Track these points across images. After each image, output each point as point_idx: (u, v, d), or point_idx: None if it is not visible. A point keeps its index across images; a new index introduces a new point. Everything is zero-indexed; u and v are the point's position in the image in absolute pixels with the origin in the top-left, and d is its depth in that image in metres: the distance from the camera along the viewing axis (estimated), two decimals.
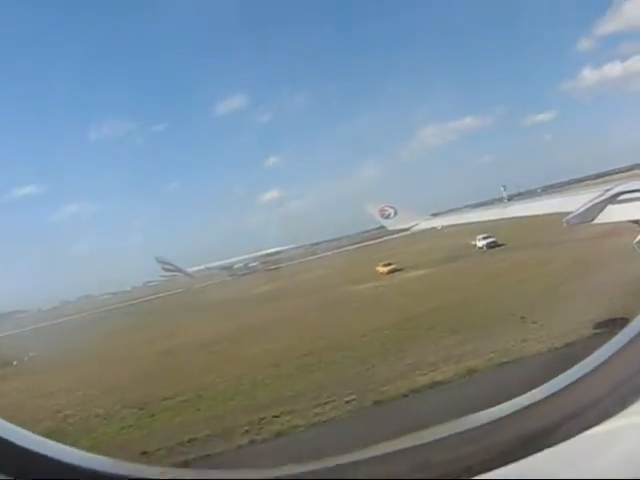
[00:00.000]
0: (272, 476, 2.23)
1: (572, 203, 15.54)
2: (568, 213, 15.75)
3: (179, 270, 77.72)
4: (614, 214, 14.34)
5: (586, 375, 2.25)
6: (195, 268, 77.98)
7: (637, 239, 12.79)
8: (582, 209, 15.03)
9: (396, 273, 46.29)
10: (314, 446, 15.54)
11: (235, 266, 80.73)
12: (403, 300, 32.43)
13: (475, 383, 18.02)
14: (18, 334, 61.52)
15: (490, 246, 48.02)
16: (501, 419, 2.28)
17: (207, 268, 78.75)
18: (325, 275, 56.59)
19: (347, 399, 18.21)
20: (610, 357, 2.22)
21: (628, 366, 2.13)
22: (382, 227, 27.47)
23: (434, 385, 18.43)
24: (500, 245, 47.88)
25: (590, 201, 14.96)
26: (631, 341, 2.18)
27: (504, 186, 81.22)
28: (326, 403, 18.32)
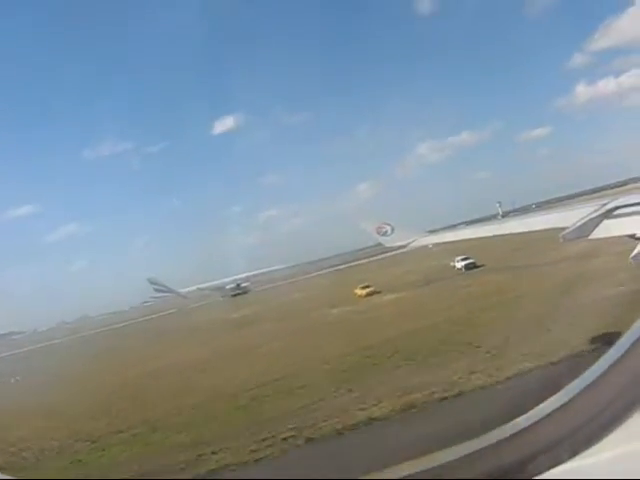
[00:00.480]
0: None
1: (568, 218, 15.58)
2: (564, 228, 15.81)
3: (170, 291, 77.77)
4: (610, 229, 14.28)
5: (556, 410, 2.25)
6: (187, 289, 78.30)
7: (634, 253, 12.77)
8: (578, 224, 14.95)
9: (374, 295, 47.34)
10: None
11: (227, 286, 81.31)
12: (373, 325, 33.03)
13: (406, 421, 17.92)
14: (8, 356, 61.21)
15: (468, 267, 48.85)
16: (474, 453, 2.26)
17: (199, 289, 79.01)
18: (305, 298, 58.03)
19: (284, 436, 18.47)
20: (580, 392, 2.22)
21: (596, 404, 2.13)
22: (379, 244, 27.59)
23: (369, 422, 18.42)
24: (479, 266, 48.59)
25: (586, 216, 14.90)
26: (600, 377, 2.19)
27: (499, 202, 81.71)
28: (264, 439, 18.55)
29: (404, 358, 24.41)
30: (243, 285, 80.00)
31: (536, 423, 2.28)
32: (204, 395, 25.16)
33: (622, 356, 2.20)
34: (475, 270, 47.73)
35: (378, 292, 48.35)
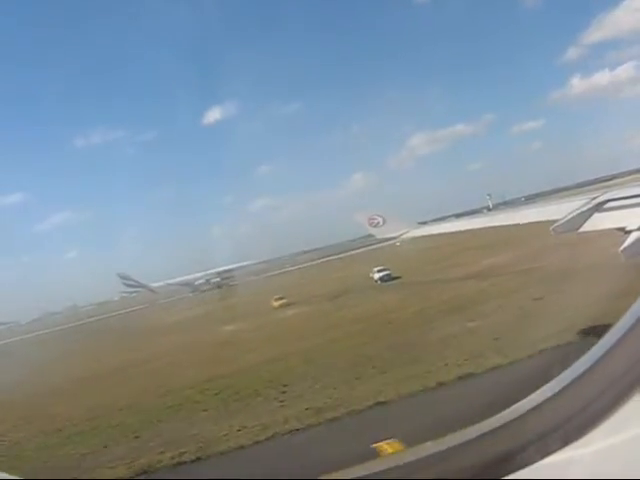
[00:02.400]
0: None
1: (559, 211, 15.67)
2: (554, 221, 15.90)
3: (141, 286, 77.36)
4: (600, 222, 14.37)
5: (547, 400, 2.26)
6: (157, 284, 77.94)
7: (623, 246, 12.88)
8: (568, 217, 15.03)
9: (286, 307, 47.64)
10: None
11: (196, 282, 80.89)
12: (256, 346, 32.26)
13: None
14: None
15: (383, 280, 49.04)
16: (460, 445, 2.27)
17: (167, 284, 78.68)
18: (218, 309, 57.77)
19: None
20: (570, 384, 2.23)
21: (585, 395, 2.15)
22: (371, 235, 27.68)
23: (137, 475, 17.53)
24: (395, 278, 49.01)
25: (576, 209, 15.05)
26: (590, 368, 2.20)
27: (489, 195, 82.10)
28: None
29: (235, 396, 23.40)
30: (213, 281, 79.74)
31: (526, 414, 2.29)
32: (60, 421, 25.02)
33: (612, 347, 2.22)
34: (390, 283, 47.98)
35: (289, 304, 48.82)
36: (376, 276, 50.04)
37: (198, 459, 17.47)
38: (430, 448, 2.31)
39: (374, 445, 14.23)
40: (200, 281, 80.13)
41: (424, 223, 27.68)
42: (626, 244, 12.89)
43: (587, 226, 14.66)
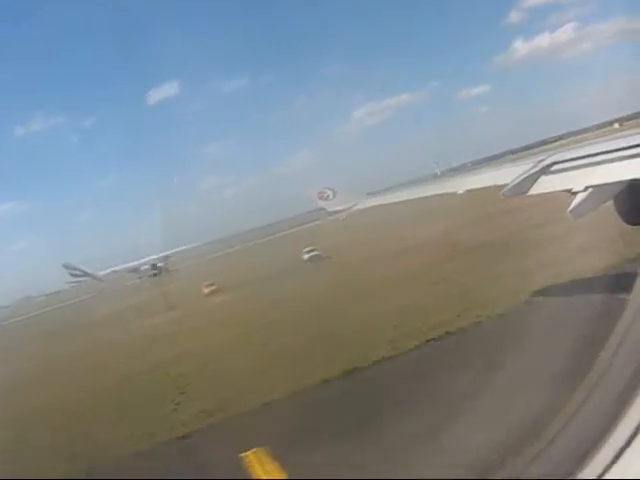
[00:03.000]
0: None
1: (508, 175, 15.74)
2: (503, 186, 16.00)
3: (86, 274, 75.99)
4: (548, 184, 14.53)
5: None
6: (102, 272, 76.60)
7: (570, 207, 13.04)
8: (517, 180, 15.16)
9: (214, 294, 48.64)
10: None
11: (142, 268, 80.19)
12: (173, 340, 31.95)
13: None
14: None
15: (312, 260, 49.87)
16: None
17: (114, 271, 77.43)
18: (143, 302, 58.62)
19: None
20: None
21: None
22: (322, 209, 27.44)
23: None
24: (325, 258, 49.82)
25: (524, 172, 15.16)
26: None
27: (437, 162, 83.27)
28: None
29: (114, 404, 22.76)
30: (159, 265, 78.98)
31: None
32: None
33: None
34: (319, 263, 48.33)
35: (218, 291, 49.61)
36: (305, 257, 50.57)
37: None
38: None
39: (241, 455, 13.72)
40: (146, 266, 79.20)
41: (373, 194, 27.67)
42: (573, 205, 13.05)
43: (535, 189, 14.81)
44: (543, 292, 20.38)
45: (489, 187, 17.41)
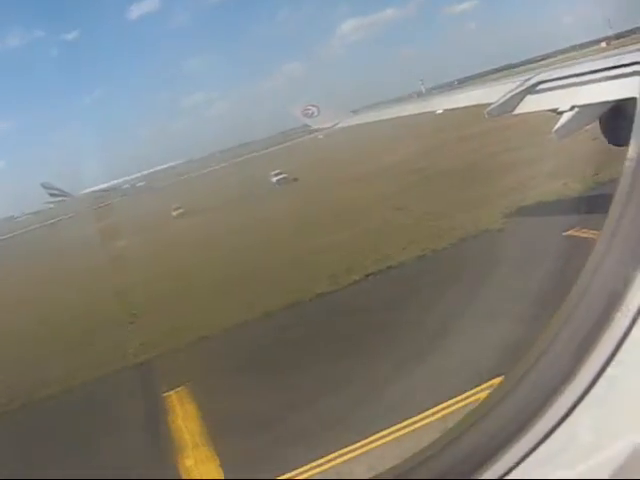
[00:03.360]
0: None
1: (494, 94, 15.68)
2: (489, 104, 15.97)
3: (65, 194, 74.83)
4: (533, 103, 14.55)
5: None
6: (85, 191, 75.56)
7: (555, 127, 13.15)
8: (502, 99, 15.09)
9: (181, 218, 48.60)
10: None
11: (123, 187, 79.18)
12: (136, 265, 30.42)
13: None
14: None
15: (279, 183, 49.55)
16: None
17: (93, 192, 76.34)
18: (115, 223, 56.68)
19: None
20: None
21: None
22: (306, 126, 27.13)
23: None
24: (293, 180, 49.51)
25: (510, 91, 15.12)
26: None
27: (422, 80, 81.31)
28: None
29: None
30: (139, 185, 77.97)
31: None
32: None
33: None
34: (285, 186, 48.37)
35: (185, 214, 49.64)
36: (273, 180, 50.59)
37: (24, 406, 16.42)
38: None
39: (165, 394, 13.73)
40: (126, 185, 78.09)
41: (357, 112, 27.37)
42: (559, 125, 13.15)
43: (521, 108, 14.83)
44: (505, 220, 19.71)
45: (474, 105, 17.36)
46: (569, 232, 14.51)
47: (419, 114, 21.81)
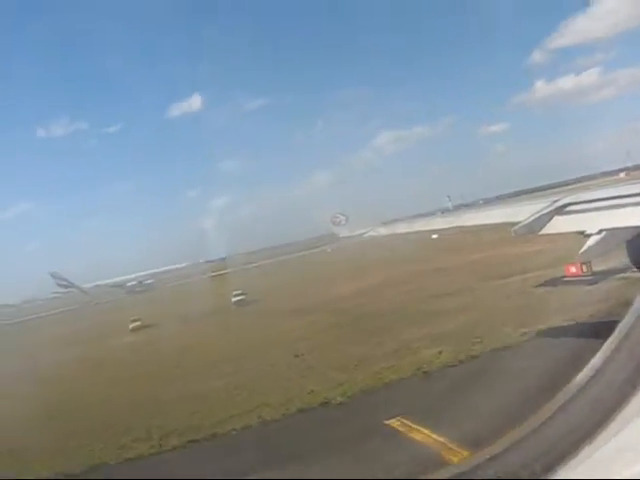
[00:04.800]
0: None
1: (521, 213, 15.88)
2: (516, 223, 16.11)
3: (72, 286, 75.47)
4: (561, 225, 14.61)
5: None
6: (88, 285, 76.14)
7: (582, 249, 13.13)
8: (530, 219, 15.21)
9: (137, 331, 50.62)
10: None
11: (128, 284, 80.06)
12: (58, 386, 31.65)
13: None
14: None
15: (238, 304, 51.02)
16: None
17: (97, 286, 76.86)
18: (79, 330, 59.82)
19: None
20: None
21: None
22: (334, 234, 27.65)
23: None
24: (250, 302, 51.10)
25: (538, 212, 15.28)
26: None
27: (449, 196, 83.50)
28: None
29: None
30: (146, 282, 78.62)
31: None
32: None
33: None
34: (243, 308, 50.14)
35: (141, 327, 51.72)
36: (233, 299, 52.00)
37: None
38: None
39: None
40: (132, 282, 78.77)
41: (386, 223, 27.92)
42: (585, 247, 13.10)
43: (548, 229, 14.86)
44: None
45: (501, 223, 17.54)
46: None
47: (449, 228, 22.20)
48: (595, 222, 13.06)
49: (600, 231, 12.63)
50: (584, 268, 30.68)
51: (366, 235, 25.33)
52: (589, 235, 13.16)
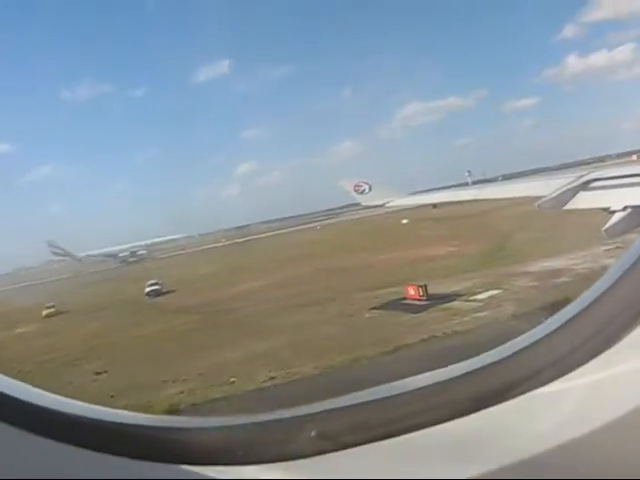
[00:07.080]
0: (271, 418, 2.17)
1: (546, 187, 15.76)
2: (541, 197, 16.02)
3: (67, 254, 76.02)
4: (585, 201, 14.50)
5: (545, 336, 2.26)
6: (82, 254, 76.49)
7: (606, 226, 13.05)
8: (555, 194, 15.14)
9: (50, 318, 45.26)
10: None
11: (120, 254, 78.77)
12: None
13: None
14: None
15: (150, 295, 46.26)
16: (454, 378, 2.25)
17: (88, 255, 77.19)
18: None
19: None
20: (569, 320, 2.23)
21: (586, 329, 2.16)
22: (357, 203, 27.63)
23: None
24: (165, 293, 46.81)
25: (563, 186, 15.17)
26: (591, 304, 2.20)
27: (469, 171, 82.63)
28: None
29: None
30: (139, 253, 78.88)
31: (520, 350, 2.29)
32: None
33: (616, 281, 2.22)
34: (158, 298, 45.69)
35: (55, 314, 46.24)
36: (146, 289, 47.12)
37: None
38: (423, 381, 2.28)
39: None
40: (124, 253, 79.22)
41: (411, 194, 27.81)
42: (609, 224, 13.02)
43: (572, 204, 14.78)
44: None
45: (525, 197, 17.46)
46: None
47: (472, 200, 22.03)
48: (621, 199, 12.95)
49: (625, 208, 12.54)
50: (420, 291, 31.05)
51: (389, 205, 25.26)
52: (614, 212, 13.07)
